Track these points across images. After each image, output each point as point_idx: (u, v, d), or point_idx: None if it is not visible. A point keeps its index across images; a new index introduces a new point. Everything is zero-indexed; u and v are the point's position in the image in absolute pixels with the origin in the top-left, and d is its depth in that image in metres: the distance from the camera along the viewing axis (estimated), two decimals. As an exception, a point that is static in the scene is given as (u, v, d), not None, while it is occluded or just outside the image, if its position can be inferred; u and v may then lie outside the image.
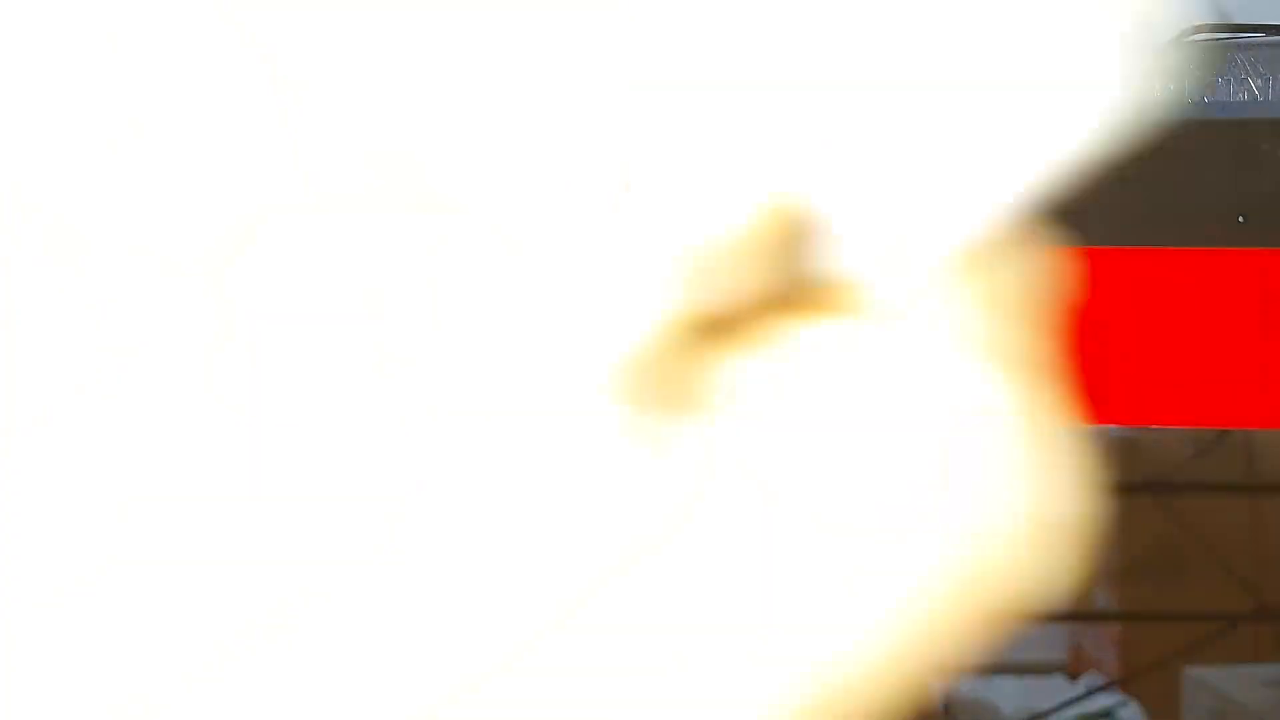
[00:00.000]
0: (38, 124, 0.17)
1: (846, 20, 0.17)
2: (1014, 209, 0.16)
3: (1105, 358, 0.30)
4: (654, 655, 0.16)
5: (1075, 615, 2.15)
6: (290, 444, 0.16)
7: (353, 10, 0.17)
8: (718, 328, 0.17)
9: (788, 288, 0.17)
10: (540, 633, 0.16)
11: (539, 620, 0.17)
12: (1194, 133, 0.29)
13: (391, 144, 0.16)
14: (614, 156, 0.17)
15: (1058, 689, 1.97)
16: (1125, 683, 1.90)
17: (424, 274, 0.16)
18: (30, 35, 0.17)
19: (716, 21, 0.17)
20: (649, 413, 0.16)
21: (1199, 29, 0.37)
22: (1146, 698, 1.85)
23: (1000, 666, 2.10)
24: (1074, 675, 2.08)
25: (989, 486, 0.17)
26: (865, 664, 0.17)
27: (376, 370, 0.16)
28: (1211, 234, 0.29)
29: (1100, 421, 0.30)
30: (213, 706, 0.16)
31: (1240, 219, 0.28)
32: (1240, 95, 0.37)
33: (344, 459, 0.16)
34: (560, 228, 0.16)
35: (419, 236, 0.16)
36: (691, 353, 0.17)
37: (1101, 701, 1.86)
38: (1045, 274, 0.18)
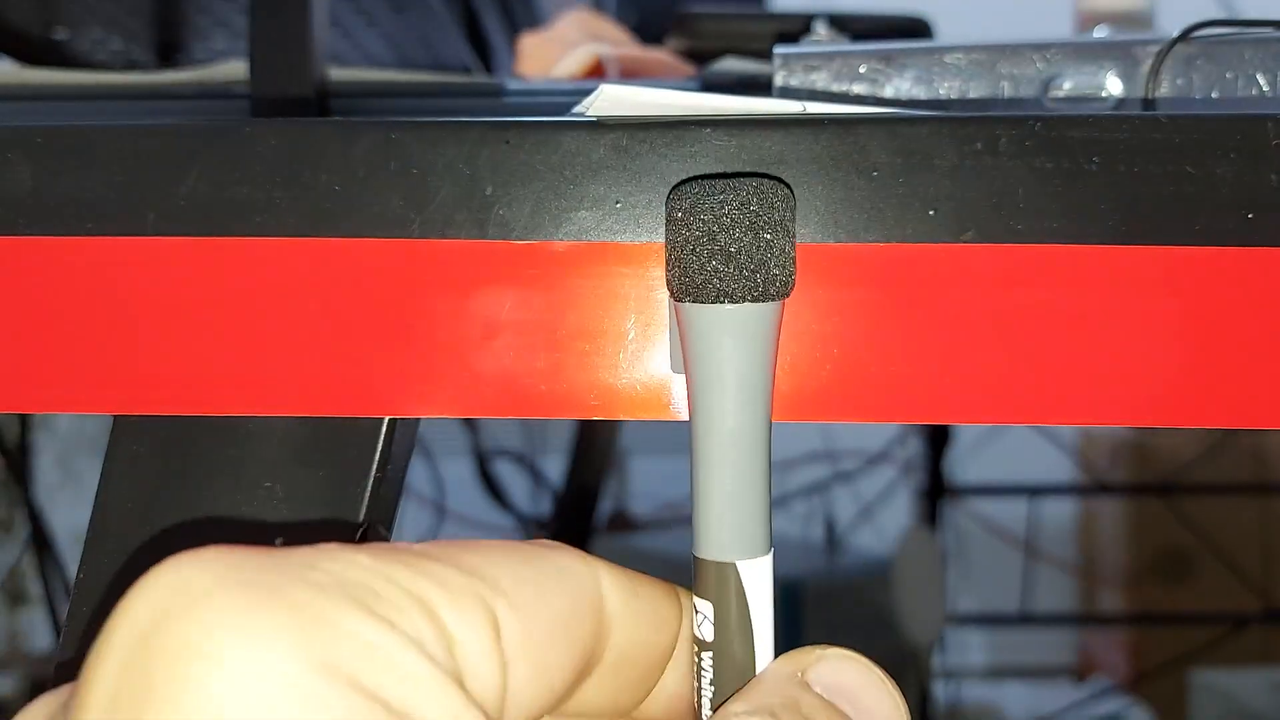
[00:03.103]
0: None
1: None
2: None
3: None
4: None
5: (1083, 618, 2.14)
6: None
7: None
8: None
9: None
10: None
11: None
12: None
13: None
14: None
15: (1065, 692, 1.96)
16: (1133, 686, 1.89)
17: None
18: None
19: None
20: None
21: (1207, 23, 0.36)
22: (1155, 701, 1.84)
23: (1007, 669, 2.09)
24: (1082, 678, 2.07)
25: None
26: None
27: None
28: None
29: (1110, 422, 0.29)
30: None
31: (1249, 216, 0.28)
32: (1250, 91, 0.36)
33: None
34: None
35: None
36: None
37: (1109, 705, 1.85)
38: None
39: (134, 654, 0.19)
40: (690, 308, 0.25)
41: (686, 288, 0.25)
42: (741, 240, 0.24)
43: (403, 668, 0.19)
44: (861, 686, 0.24)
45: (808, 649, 0.25)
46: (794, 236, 0.26)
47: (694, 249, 0.25)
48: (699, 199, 0.25)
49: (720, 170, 0.29)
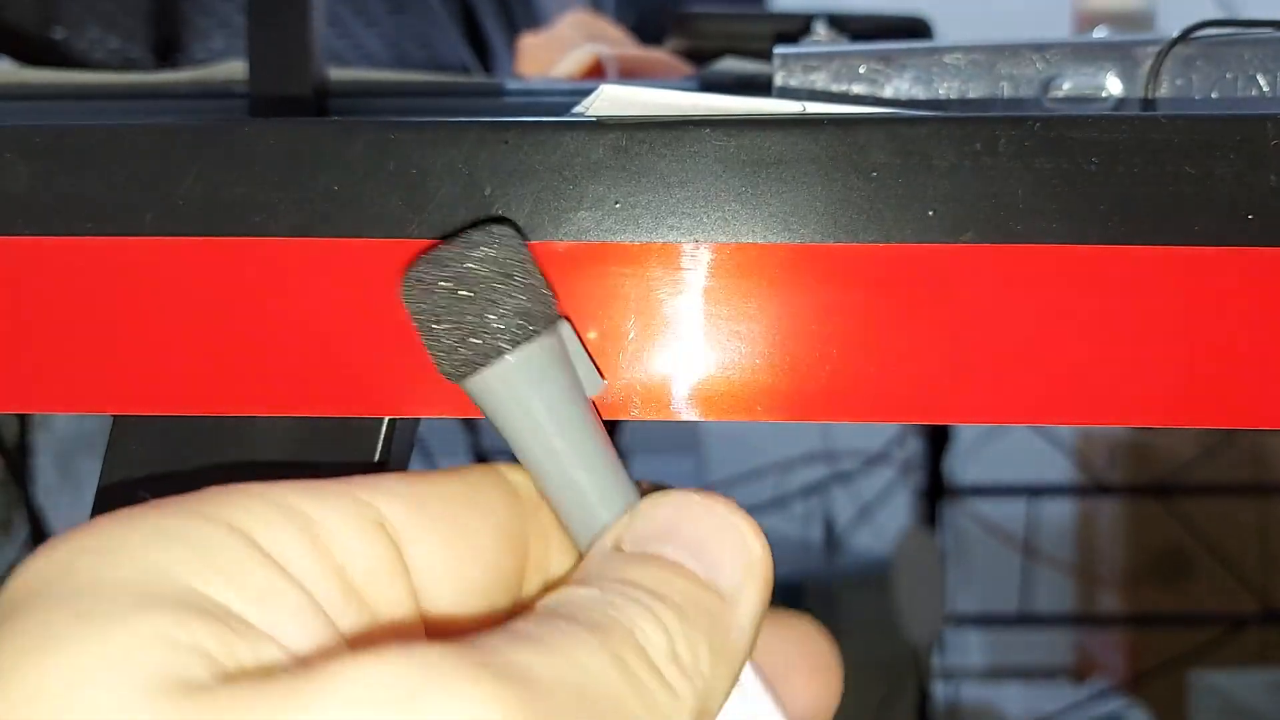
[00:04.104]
0: None
1: None
2: None
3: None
4: None
5: (1082, 619, 2.14)
6: None
7: None
8: None
9: None
10: None
11: None
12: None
13: None
14: None
15: (1064, 693, 1.96)
16: (1132, 687, 1.89)
17: None
18: None
19: None
20: None
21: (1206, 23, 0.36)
22: (1153, 701, 1.84)
23: (1006, 670, 2.09)
24: (1080, 679, 2.08)
25: None
26: None
27: None
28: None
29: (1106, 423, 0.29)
30: None
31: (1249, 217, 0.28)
32: (1249, 91, 0.36)
33: None
34: None
35: None
36: None
37: (1108, 705, 1.85)
38: None
39: None
40: (464, 385, 0.25)
41: (447, 374, 0.25)
42: (457, 320, 0.25)
43: (185, 537, 0.20)
44: (679, 521, 0.23)
45: (628, 512, 0.24)
46: (528, 274, 0.25)
47: (432, 343, 0.25)
48: (415, 291, 0.25)
49: (720, 170, 0.29)
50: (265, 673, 0.18)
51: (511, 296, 0.25)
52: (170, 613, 0.18)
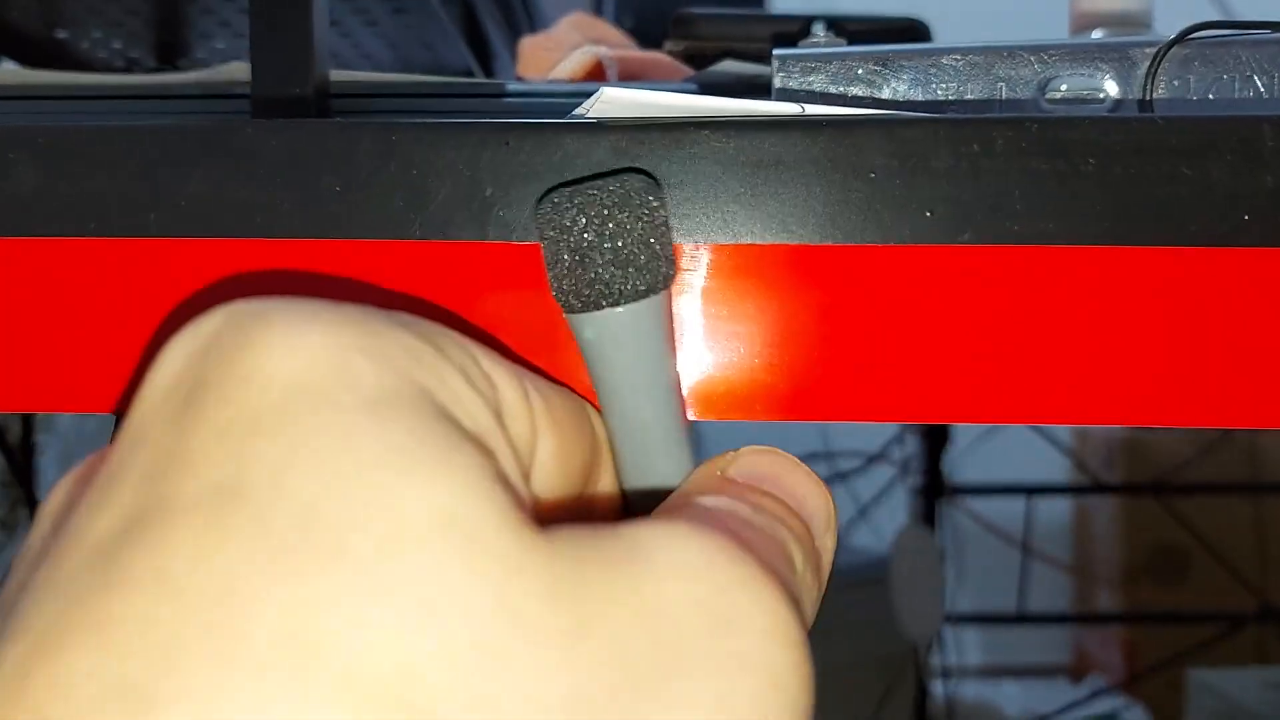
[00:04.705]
0: None
1: None
2: None
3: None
4: None
5: (1079, 617, 2.14)
6: None
7: None
8: None
9: None
10: None
11: None
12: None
13: None
14: None
15: (1061, 692, 1.96)
16: (1129, 685, 1.89)
17: None
18: None
19: None
20: None
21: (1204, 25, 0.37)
22: (1150, 700, 1.84)
23: (1004, 668, 2.09)
24: (1078, 677, 2.08)
25: None
26: None
27: None
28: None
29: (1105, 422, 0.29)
30: None
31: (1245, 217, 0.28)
32: (1246, 92, 0.36)
33: None
34: None
35: None
36: None
37: (1105, 704, 1.85)
38: None
39: (191, 361, 0.20)
40: (581, 317, 0.26)
41: (573, 301, 0.26)
42: (617, 248, 0.25)
43: (440, 373, 0.20)
44: (780, 472, 0.25)
45: (721, 454, 0.26)
46: (667, 226, 0.26)
47: (574, 265, 0.25)
48: (565, 215, 0.25)
49: (719, 171, 0.29)
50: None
51: (665, 243, 0.26)
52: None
